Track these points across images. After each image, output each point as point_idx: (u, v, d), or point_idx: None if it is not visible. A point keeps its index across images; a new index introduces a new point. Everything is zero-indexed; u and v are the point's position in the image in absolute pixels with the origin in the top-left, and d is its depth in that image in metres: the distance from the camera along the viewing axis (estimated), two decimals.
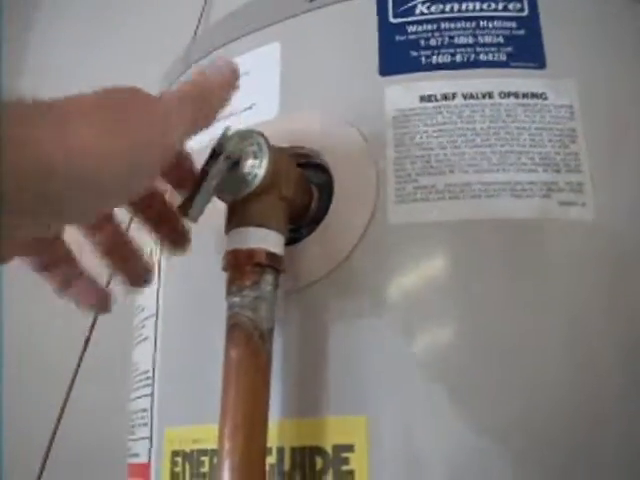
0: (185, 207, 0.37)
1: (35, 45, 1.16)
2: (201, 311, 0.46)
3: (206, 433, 0.43)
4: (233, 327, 0.38)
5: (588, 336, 0.39)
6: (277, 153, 0.39)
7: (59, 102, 0.28)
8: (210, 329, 0.41)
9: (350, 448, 0.38)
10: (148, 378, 0.49)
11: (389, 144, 0.42)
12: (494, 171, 0.41)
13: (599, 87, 0.44)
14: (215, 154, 0.39)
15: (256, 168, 0.39)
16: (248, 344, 0.37)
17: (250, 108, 0.47)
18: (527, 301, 0.40)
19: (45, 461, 0.79)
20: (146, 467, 0.47)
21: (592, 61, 0.45)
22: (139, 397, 0.50)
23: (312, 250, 0.42)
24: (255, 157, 0.39)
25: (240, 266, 0.38)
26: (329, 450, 0.38)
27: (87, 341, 0.84)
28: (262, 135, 0.39)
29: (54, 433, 0.80)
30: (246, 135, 0.39)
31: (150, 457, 0.47)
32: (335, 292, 0.41)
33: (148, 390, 0.48)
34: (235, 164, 0.39)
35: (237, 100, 0.46)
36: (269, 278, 0.39)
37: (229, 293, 0.39)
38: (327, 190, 0.44)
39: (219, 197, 0.39)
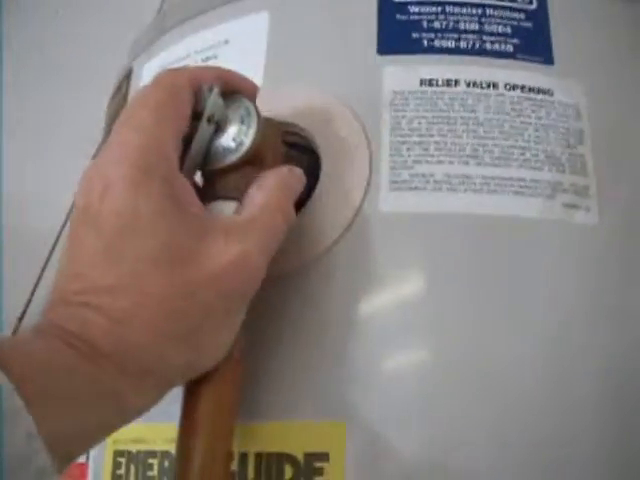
0: None
1: None
2: None
3: (153, 432, 0.39)
4: None
5: (568, 348, 0.37)
6: (265, 122, 0.36)
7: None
8: None
9: (325, 457, 0.35)
10: None
11: (385, 127, 0.40)
12: (496, 165, 0.39)
13: (606, 90, 0.43)
14: (198, 116, 0.35)
15: (242, 135, 0.35)
16: None
17: None
18: (513, 305, 0.37)
19: None
20: (83, 467, 0.42)
21: (600, 63, 0.43)
22: None
23: (293, 237, 0.39)
24: (242, 122, 0.36)
25: None
26: (300, 458, 0.35)
27: None
28: (250, 100, 0.36)
29: None
30: (233, 99, 0.36)
31: (87, 456, 0.42)
32: (316, 283, 0.38)
33: None
34: (218, 129, 0.36)
35: None
36: None
37: None
38: (313, 174, 0.41)
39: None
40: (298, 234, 0.39)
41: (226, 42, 0.46)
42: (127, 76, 0.52)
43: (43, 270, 0.85)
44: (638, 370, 0.37)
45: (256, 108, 0.36)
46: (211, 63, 0.45)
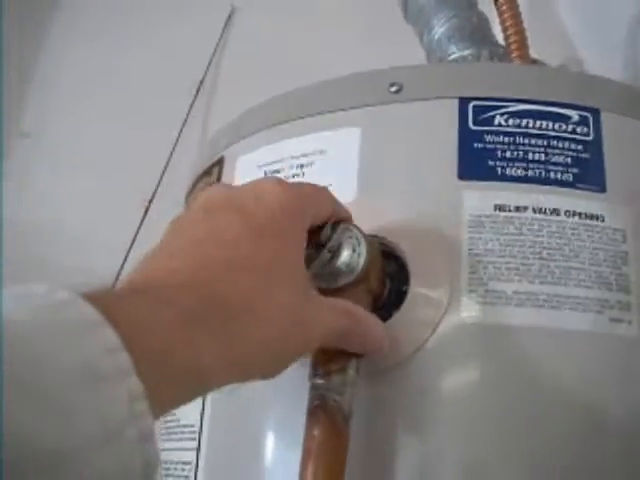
0: None
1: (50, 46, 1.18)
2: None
3: None
4: (317, 408, 0.42)
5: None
6: (370, 246, 0.44)
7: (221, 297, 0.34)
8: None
9: None
10: (192, 432, 0.52)
11: (464, 246, 0.48)
12: (557, 284, 0.47)
13: None
14: (316, 244, 0.43)
15: (354, 261, 0.43)
16: (333, 426, 0.42)
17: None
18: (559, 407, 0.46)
19: None
20: None
21: None
22: (177, 449, 0.53)
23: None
24: (353, 250, 0.44)
25: (327, 350, 0.43)
26: None
27: None
28: (359, 229, 0.44)
29: None
30: (345, 228, 0.44)
31: None
32: (403, 384, 0.46)
33: (193, 444, 0.52)
34: (333, 255, 0.44)
35: (312, 176, 0.51)
36: (354, 364, 0.43)
37: (314, 375, 0.43)
38: (397, 278, 0.49)
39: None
40: (391, 334, 0.47)
41: (321, 152, 0.53)
42: (219, 163, 0.60)
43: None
44: None
45: (364, 237, 0.44)
46: (307, 170, 0.53)
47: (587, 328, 0.47)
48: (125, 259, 0.92)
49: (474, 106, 0.51)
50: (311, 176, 0.53)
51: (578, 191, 0.50)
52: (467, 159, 0.50)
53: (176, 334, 0.31)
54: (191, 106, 1.03)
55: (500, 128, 0.51)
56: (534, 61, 0.77)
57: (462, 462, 0.45)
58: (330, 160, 0.53)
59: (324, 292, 0.44)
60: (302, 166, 0.54)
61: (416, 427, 0.45)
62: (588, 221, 0.49)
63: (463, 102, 0.52)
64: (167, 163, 0.99)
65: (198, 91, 1.05)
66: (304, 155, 0.54)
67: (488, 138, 0.51)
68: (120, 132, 1.06)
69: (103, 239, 1.01)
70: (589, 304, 0.47)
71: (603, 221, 0.49)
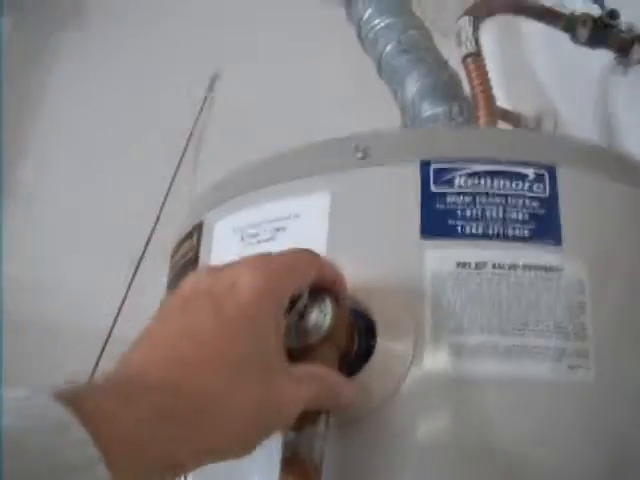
0: None
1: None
2: None
3: None
4: (290, 460, 0.45)
5: None
6: (337, 306, 0.48)
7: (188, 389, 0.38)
8: None
9: None
10: None
11: (427, 302, 0.51)
12: (517, 335, 0.50)
13: (606, 264, 0.54)
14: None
15: (321, 320, 0.47)
16: (304, 477, 0.45)
17: None
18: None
19: None
20: None
21: (601, 240, 0.55)
22: None
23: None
24: (320, 311, 0.47)
25: None
26: None
27: None
28: (330, 294, 0.48)
29: None
30: (313, 289, 0.48)
31: None
32: (372, 434, 0.49)
33: None
34: (301, 315, 0.47)
35: (284, 240, 0.55)
36: (323, 418, 0.47)
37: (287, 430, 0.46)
38: (366, 334, 0.52)
39: None
40: (360, 387, 0.50)
41: (296, 216, 0.57)
42: (199, 227, 0.64)
43: None
44: None
45: (331, 298, 0.47)
46: (280, 234, 0.57)
47: (546, 376, 0.50)
48: (118, 313, 0.96)
49: (434, 169, 0.55)
50: (284, 239, 0.56)
51: (535, 245, 0.53)
52: (429, 219, 0.54)
53: (147, 429, 0.36)
54: (177, 167, 1.08)
55: (460, 189, 0.55)
56: (506, 112, 0.81)
57: None
58: (303, 224, 0.57)
59: (294, 352, 0.47)
60: (276, 230, 0.58)
61: (385, 475, 0.48)
62: (545, 273, 0.52)
63: (424, 166, 0.55)
64: (155, 223, 1.03)
65: (184, 152, 1.10)
66: (278, 219, 0.58)
67: (449, 199, 0.54)
68: (111, 192, 1.11)
69: (96, 295, 1.05)
70: (548, 353, 0.50)
71: (560, 272, 0.53)
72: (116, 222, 1.09)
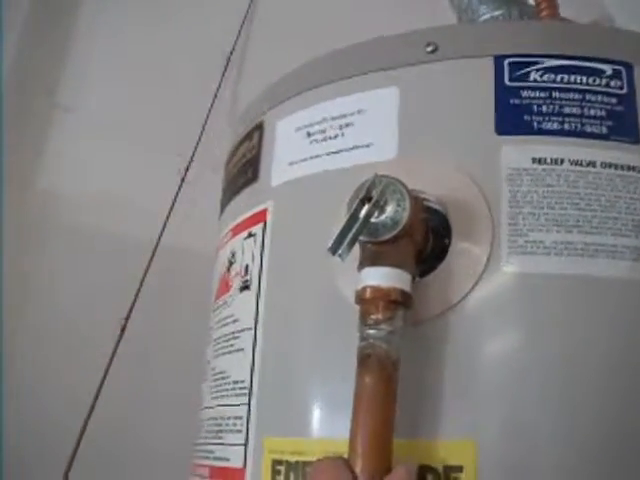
0: (335, 247, 0.46)
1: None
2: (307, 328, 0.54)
3: (308, 446, 0.52)
4: (368, 356, 0.46)
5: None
6: (414, 201, 0.48)
7: None
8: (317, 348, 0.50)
9: (460, 469, 0.47)
10: (243, 388, 0.56)
11: (503, 199, 0.51)
12: (594, 233, 0.51)
13: None
14: (362, 198, 0.47)
15: (399, 215, 0.47)
16: (382, 372, 0.46)
17: (367, 146, 0.56)
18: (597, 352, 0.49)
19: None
20: (241, 472, 0.55)
21: None
22: (229, 405, 0.57)
23: (430, 290, 0.51)
24: (398, 205, 0.47)
25: (376, 301, 0.47)
26: (440, 470, 0.47)
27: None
28: (403, 184, 0.48)
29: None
30: (390, 183, 0.48)
31: (245, 463, 0.55)
32: (449, 331, 0.50)
33: (244, 399, 0.56)
34: (379, 209, 0.47)
35: (352, 136, 0.55)
36: (401, 314, 0.47)
37: (364, 324, 0.47)
38: (440, 232, 0.52)
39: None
40: (435, 285, 0.51)
41: (359, 112, 0.57)
42: (259, 127, 0.64)
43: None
44: None
45: (408, 191, 0.48)
46: (347, 131, 0.57)
47: (624, 276, 0.50)
48: (164, 225, 0.97)
49: (509, 63, 0.55)
50: (351, 135, 0.57)
51: (613, 143, 0.53)
52: (504, 114, 0.54)
53: None
54: (223, 74, 1.07)
55: (536, 84, 0.54)
56: (563, 20, 0.80)
57: (506, 410, 0.48)
58: (369, 120, 0.57)
59: (367, 243, 0.48)
60: (342, 126, 0.58)
61: (461, 375, 0.49)
62: (623, 172, 0.52)
63: (498, 60, 0.55)
64: (202, 131, 1.03)
65: (229, 59, 1.09)
66: (343, 116, 0.58)
67: (524, 94, 0.54)
68: (156, 101, 1.11)
69: (142, 206, 1.06)
70: (626, 252, 0.51)
71: (639, 172, 0.53)
72: (162, 132, 1.10)
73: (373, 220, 0.47)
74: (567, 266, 0.50)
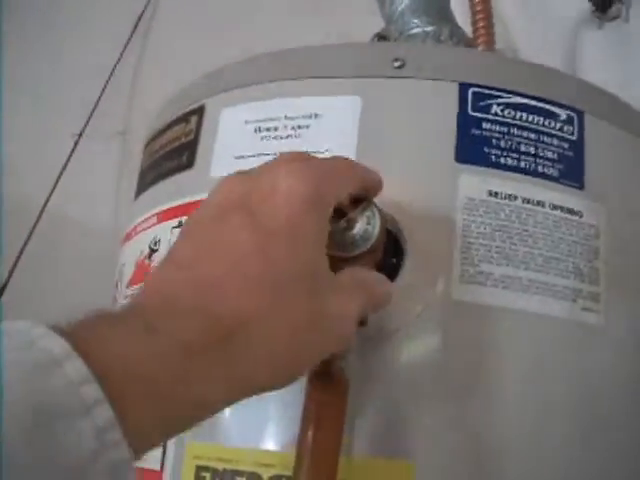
0: None
1: None
2: None
3: (236, 454, 0.50)
4: (321, 373, 0.46)
5: None
6: (382, 219, 0.48)
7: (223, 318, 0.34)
8: None
9: None
10: None
11: (458, 227, 0.52)
12: (539, 271, 0.53)
13: (621, 212, 0.57)
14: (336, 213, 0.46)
15: (368, 233, 0.47)
16: (337, 388, 0.46)
17: (323, 153, 0.55)
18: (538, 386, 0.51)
19: None
20: (157, 475, 0.52)
21: (620, 189, 0.58)
22: None
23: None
24: (368, 223, 0.47)
25: None
26: None
27: None
28: (375, 204, 0.48)
29: None
30: (364, 203, 0.47)
31: (162, 466, 0.52)
32: (391, 354, 0.50)
33: None
34: (348, 225, 0.47)
35: (307, 140, 0.54)
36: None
37: None
38: (389, 251, 0.52)
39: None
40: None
41: (317, 116, 0.56)
42: (199, 111, 0.61)
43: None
44: None
45: (379, 211, 0.47)
46: (302, 133, 0.56)
47: (563, 315, 0.52)
48: (53, 188, 0.92)
49: (473, 92, 0.56)
50: (307, 139, 0.55)
51: (561, 186, 0.55)
52: (465, 144, 0.54)
53: (168, 362, 0.31)
54: (126, 44, 1.02)
55: (496, 117, 0.55)
56: (498, 51, 0.82)
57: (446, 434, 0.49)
58: (327, 125, 0.56)
59: (332, 259, 0.47)
60: (295, 128, 0.56)
61: (401, 397, 0.50)
62: (568, 215, 0.55)
63: (463, 87, 0.56)
64: (98, 99, 0.98)
65: (136, 27, 1.04)
66: (298, 117, 0.56)
67: (485, 125, 0.55)
68: (53, 64, 1.05)
69: (34, 168, 1.00)
70: (566, 292, 0.53)
71: (581, 217, 0.55)
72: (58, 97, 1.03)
73: (343, 235, 0.47)
74: (512, 300, 0.52)
